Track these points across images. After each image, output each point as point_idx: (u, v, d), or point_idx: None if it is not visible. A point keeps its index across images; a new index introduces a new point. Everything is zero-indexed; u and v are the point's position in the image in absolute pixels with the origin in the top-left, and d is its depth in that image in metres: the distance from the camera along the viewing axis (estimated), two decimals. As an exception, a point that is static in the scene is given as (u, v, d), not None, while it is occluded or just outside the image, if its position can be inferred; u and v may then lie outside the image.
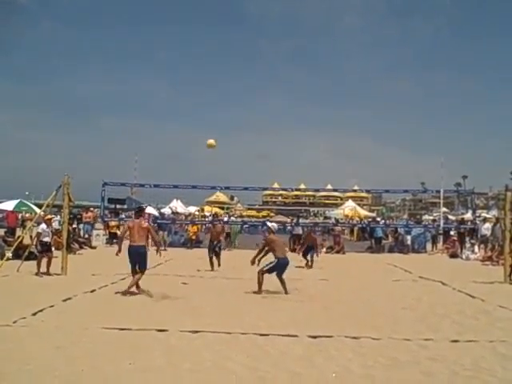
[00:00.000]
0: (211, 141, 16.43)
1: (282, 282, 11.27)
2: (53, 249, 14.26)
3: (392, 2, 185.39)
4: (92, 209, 29.65)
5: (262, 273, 11.28)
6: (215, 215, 22.18)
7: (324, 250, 25.32)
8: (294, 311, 9.18)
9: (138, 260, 10.80)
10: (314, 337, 7.10)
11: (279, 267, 11.31)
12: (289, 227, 28.09)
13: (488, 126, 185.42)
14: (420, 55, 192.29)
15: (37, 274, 13.16)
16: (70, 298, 9.76)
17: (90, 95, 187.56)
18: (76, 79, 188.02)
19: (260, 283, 11.21)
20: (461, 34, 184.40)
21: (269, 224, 12.96)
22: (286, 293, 11.08)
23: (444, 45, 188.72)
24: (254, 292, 11.21)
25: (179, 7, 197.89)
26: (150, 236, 11.30)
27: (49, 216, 14.99)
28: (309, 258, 17.44)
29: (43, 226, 13.90)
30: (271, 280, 11.43)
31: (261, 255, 11.72)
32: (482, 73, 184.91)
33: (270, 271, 11.35)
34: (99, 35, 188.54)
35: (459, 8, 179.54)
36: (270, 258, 11.58)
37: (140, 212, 11.89)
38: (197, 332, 7.21)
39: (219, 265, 15.85)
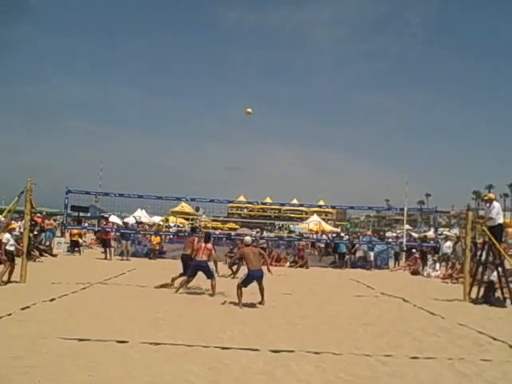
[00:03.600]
0: (249, 109, 16.29)
1: (261, 290, 11.65)
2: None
3: (363, 19, 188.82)
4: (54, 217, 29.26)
5: (238, 286, 11.46)
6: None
7: (287, 264, 25.42)
8: (256, 325, 9.16)
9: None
10: (276, 351, 7.09)
11: (251, 279, 11.49)
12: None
13: (452, 146, 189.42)
14: (388, 72, 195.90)
15: None
16: (28, 307, 9.54)
17: (54, 99, 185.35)
18: (40, 82, 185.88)
19: (238, 296, 11.35)
20: (429, 53, 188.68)
21: (244, 238, 13.21)
22: (261, 302, 11.56)
23: (412, 62, 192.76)
24: (235, 304, 11.29)
25: (151, 15, 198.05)
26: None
27: (13, 225, 14.71)
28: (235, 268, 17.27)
29: (7, 235, 13.63)
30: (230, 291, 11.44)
31: (234, 264, 12.14)
32: (447, 92, 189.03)
33: (244, 283, 11.52)
34: (68, 40, 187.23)
35: (429, 26, 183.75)
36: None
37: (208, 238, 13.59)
38: (158, 344, 7.13)
39: None
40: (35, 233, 23.25)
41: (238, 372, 6.06)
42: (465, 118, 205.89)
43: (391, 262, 27.78)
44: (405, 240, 27.95)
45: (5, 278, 13.03)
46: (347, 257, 27.16)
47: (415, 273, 23.65)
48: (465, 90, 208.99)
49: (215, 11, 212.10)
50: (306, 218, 53.47)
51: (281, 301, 12.52)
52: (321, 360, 6.78)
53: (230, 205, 74.26)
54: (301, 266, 24.74)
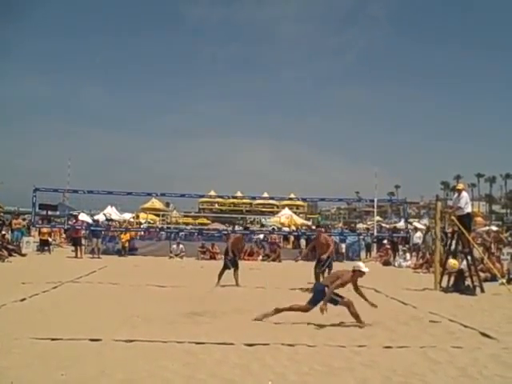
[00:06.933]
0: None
1: None
2: None
3: (330, 13, 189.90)
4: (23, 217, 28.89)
5: None
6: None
7: (260, 257, 25.49)
8: (230, 319, 9.14)
9: None
10: (251, 345, 7.08)
11: None
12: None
13: (421, 137, 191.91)
14: (356, 65, 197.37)
15: None
16: (-2, 308, 9.39)
17: (20, 96, 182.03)
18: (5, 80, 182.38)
19: None
20: (395, 46, 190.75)
21: None
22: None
23: (380, 55, 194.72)
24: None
25: (118, 11, 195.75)
26: None
27: None
28: None
29: None
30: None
31: None
32: (414, 83, 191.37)
33: None
34: (34, 36, 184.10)
35: (394, 20, 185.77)
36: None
37: None
38: (131, 341, 7.06)
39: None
40: (3, 232, 22.93)
41: (213, 366, 6.04)
42: (432, 108, 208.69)
43: (363, 253, 28.07)
44: (375, 231, 28.22)
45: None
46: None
47: (386, 263, 23.97)
48: (431, 80, 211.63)
49: (179, 8, 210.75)
50: (278, 212, 53.42)
51: (254, 295, 12.55)
52: (295, 352, 6.80)
53: (201, 200, 73.78)
54: (273, 260, 24.82)
